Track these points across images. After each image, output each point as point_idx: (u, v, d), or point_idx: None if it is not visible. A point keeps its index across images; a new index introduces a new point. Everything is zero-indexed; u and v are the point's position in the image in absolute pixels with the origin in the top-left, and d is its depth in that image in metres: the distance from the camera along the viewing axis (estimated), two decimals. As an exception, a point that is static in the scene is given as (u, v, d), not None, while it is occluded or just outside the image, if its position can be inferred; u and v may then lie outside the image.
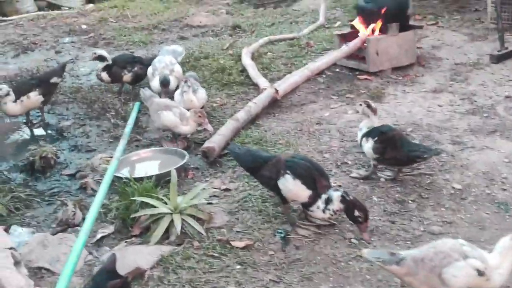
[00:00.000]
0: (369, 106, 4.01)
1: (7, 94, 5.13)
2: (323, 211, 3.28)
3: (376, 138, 3.84)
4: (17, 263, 2.81)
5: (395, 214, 3.52)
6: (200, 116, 4.49)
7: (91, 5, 10.72)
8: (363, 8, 5.89)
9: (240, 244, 3.31)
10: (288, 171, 3.31)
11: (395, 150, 3.78)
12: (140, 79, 5.81)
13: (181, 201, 3.59)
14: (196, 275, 3.07)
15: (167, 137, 4.80)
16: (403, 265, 2.58)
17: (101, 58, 5.82)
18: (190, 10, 9.49)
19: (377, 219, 3.48)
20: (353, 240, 3.30)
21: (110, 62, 5.78)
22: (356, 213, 3.18)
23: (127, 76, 5.75)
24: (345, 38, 6.05)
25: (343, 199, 3.24)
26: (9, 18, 10.02)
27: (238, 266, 3.14)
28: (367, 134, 3.91)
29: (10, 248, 2.88)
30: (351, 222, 3.28)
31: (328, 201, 3.25)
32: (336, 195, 3.25)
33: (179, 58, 5.86)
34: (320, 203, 3.27)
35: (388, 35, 5.77)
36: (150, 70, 5.49)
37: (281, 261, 3.17)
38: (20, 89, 5.26)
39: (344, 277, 3.03)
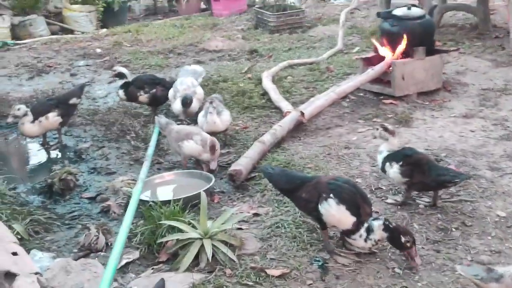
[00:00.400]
0: (386, 129, 3.83)
1: (25, 115, 5.00)
2: (365, 240, 3.09)
3: (401, 162, 3.66)
4: (43, 289, 2.62)
5: (439, 242, 3.31)
6: (212, 153, 4.28)
7: (104, 30, 10.66)
8: (388, 31, 5.77)
9: (276, 272, 3.11)
10: (331, 195, 3.12)
11: (422, 174, 3.60)
12: (160, 101, 5.66)
13: (211, 226, 3.41)
14: (230, 305, 2.87)
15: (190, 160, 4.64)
16: (502, 282, 2.43)
17: (120, 76, 5.71)
18: (205, 35, 9.41)
19: (420, 247, 3.27)
20: (397, 270, 3.09)
21: (130, 80, 5.65)
22: (403, 239, 2.99)
23: (142, 97, 5.60)
24: (369, 61, 5.92)
25: (386, 227, 3.06)
26: (22, 41, 9.96)
27: (275, 296, 2.94)
28: (390, 159, 3.73)
29: (36, 273, 2.69)
30: (398, 249, 3.09)
31: (369, 230, 3.06)
32: (377, 224, 3.07)
33: (199, 78, 5.74)
34: (363, 231, 3.07)
35: (414, 59, 5.64)
36: (171, 92, 5.36)
37: (320, 292, 2.97)
38: (39, 110, 5.13)
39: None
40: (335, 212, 3.09)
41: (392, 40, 5.70)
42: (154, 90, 5.59)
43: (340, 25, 8.18)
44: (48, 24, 10.96)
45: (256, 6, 10.33)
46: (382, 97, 5.76)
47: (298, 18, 9.51)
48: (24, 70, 8.03)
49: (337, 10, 10.68)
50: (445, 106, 5.50)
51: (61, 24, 11.16)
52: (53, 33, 10.69)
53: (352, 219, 3.08)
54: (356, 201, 3.11)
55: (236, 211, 3.66)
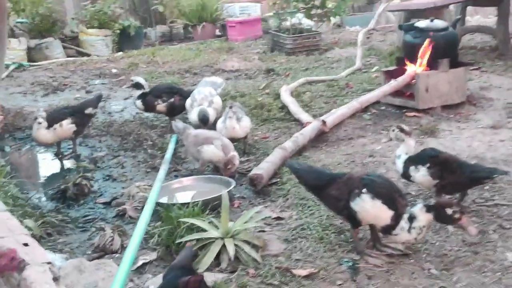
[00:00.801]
0: (402, 130, 3.64)
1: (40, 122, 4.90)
2: (409, 231, 2.86)
3: (428, 164, 3.48)
4: (55, 279, 2.43)
5: (476, 244, 3.10)
6: (229, 169, 4.13)
7: (120, 53, 10.67)
8: (411, 43, 5.65)
9: (303, 272, 2.92)
10: (364, 190, 2.92)
11: (453, 173, 3.43)
12: (178, 111, 5.54)
13: (233, 225, 3.23)
14: (255, 304, 2.67)
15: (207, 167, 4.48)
16: None
17: (137, 86, 5.61)
18: (221, 57, 9.36)
19: (456, 249, 3.07)
20: (433, 271, 2.88)
21: (147, 90, 5.56)
22: (449, 211, 2.79)
23: (160, 106, 5.49)
24: (391, 75, 5.79)
25: (428, 208, 2.86)
26: (38, 63, 9.96)
27: (303, 296, 2.74)
28: (414, 162, 3.55)
29: (48, 263, 2.51)
30: (449, 224, 2.95)
31: (411, 218, 2.86)
32: (418, 208, 2.87)
33: (218, 89, 5.62)
34: (404, 223, 2.86)
35: (438, 71, 5.50)
36: (188, 101, 5.24)
37: (352, 292, 2.77)
38: (53, 117, 5.03)
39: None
40: (371, 208, 2.89)
41: (415, 52, 5.57)
42: (172, 100, 5.49)
43: (358, 45, 8.10)
44: (64, 47, 10.98)
45: (272, 30, 10.28)
46: (405, 110, 5.60)
47: (315, 40, 9.44)
48: (39, 88, 7.98)
49: (353, 35, 10.63)
50: (471, 118, 5.32)
51: (77, 48, 11.17)
52: (69, 57, 10.68)
53: (390, 212, 2.87)
54: (391, 194, 2.91)
55: (259, 210, 3.48)
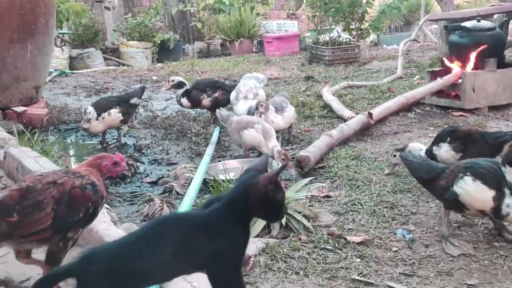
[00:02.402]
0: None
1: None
2: None
3: (448, 139, 3.48)
4: (114, 222, 2.44)
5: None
6: (283, 159, 3.99)
7: (159, 64, 10.84)
8: (457, 43, 5.61)
9: (357, 239, 2.86)
10: (467, 173, 2.76)
11: (476, 143, 3.43)
12: (221, 104, 5.56)
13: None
14: (309, 264, 2.61)
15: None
16: None
17: (179, 85, 5.65)
18: (259, 67, 9.43)
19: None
20: (496, 244, 2.80)
21: (189, 87, 5.60)
22: None
23: (206, 101, 5.53)
24: (436, 75, 5.73)
25: None
26: (80, 71, 10.18)
27: (358, 260, 2.67)
28: (434, 142, 3.57)
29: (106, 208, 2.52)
30: None
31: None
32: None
33: (261, 84, 5.63)
34: (509, 200, 2.68)
35: (485, 71, 5.43)
36: (233, 94, 5.26)
37: (409, 257, 2.69)
38: (101, 106, 5.10)
39: (491, 274, 2.52)
40: (472, 189, 2.73)
41: (461, 52, 5.53)
42: (216, 94, 5.52)
43: (400, 54, 8.06)
44: (105, 59, 11.21)
45: (310, 43, 10.34)
46: (450, 110, 5.53)
47: (353, 53, 9.45)
48: (81, 90, 8.14)
49: (391, 52, 10.63)
50: (520, 118, 5.23)
51: (117, 60, 11.40)
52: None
53: (491, 192, 2.69)
54: (496, 175, 2.73)
55: (309, 181, 3.44)
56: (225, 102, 5.50)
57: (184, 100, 5.58)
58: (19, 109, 5.84)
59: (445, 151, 3.49)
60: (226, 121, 4.55)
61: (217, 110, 4.74)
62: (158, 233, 1.70)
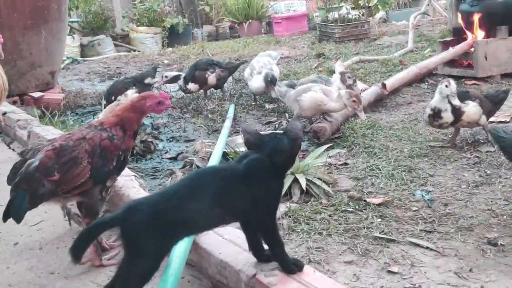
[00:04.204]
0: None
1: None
2: None
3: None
4: (142, 188, 2.53)
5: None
6: (354, 101, 3.86)
7: (170, 48, 10.90)
8: (468, 11, 5.61)
9: (377, 200, 2.92)
10: None
11: (484, 101, 3.71)
12: (223, 81, 5.63)
13: (303, 162, 3.27)
14: (331, 225, 2.69)
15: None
16: None
17: (174, 79, 5.67)
18: (269, 47, 9.46)
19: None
20: None
21: (183, 74, 5.65)
22: None
23: (211, 77, 5.58)
24: (448, 45, 5.75)
25: None
26: (91, 58, 10.26)
27: (379, 220, 2.74)
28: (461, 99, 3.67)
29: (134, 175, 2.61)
30: None
31: None
32: None
33: (274, 61, 5.68)
34: None
35: (497, 39, 5.44)
36: (247, 71, 5.32)
37: (429, 215, 2.75)
38: (118, 88, 5.18)
39: (511, 228, 2.58)
40: None
41: (472, 20, 5.53)
42: (216, 71, 5.59)
43: (410, 27, 8.06)
44: (116, 46, 11.30)
45: (319, 22, 10.34)
46: (463, 79, 5.55)
47: (363, 29, 9.44)
48: (95, 76, 8.23)
49: (400, 28, 10.60)
50: (533, 85, 5.23)
51: (127, 46, 11.47)
52: (119, 54, 10.99)
53: None
54: None
55: (328, 147, 3.51)
56: (226, 79, 5.61)
57: (191, 85, 5.61)
58: (36, 94, 5.94)
59: (473, 106, 3.63)
60: (284, 96, 4.47)
61: (275, 87, 4.63)
62: (198, 184, 1.80)
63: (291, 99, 4.29)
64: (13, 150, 4.33)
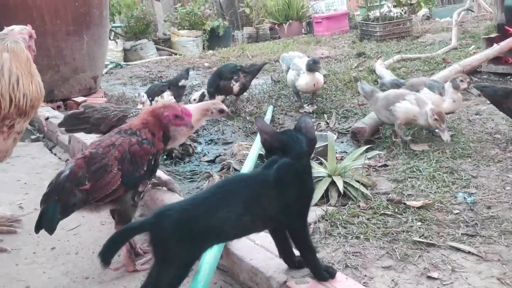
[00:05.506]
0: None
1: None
2: None
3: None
4: (177, 193, 2.53)
5: None
6: (436, 119, 3.59)
7: (210, 51, 10.96)
8: (514, 7, 5.42)
9: (417, 203, 2.84)
10: None
11: None
12: (246, 88, 5.56)
13: (340, 165, 3.20)
14: (369, 229, 2.62)
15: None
16: None
17: (201, 97, 5.53)
18: (310, 47, 9.39)
19: None
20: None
21: (207, 89, 5.57)
22: None
23: (236, 87, 5.39)
24: (493, 42, 5.56)
25: None
26: (133, 62, 10.41)
27: (419, 223, 2.65)
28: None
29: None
30: None
31: None
32: None
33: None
34: None
35: (545, 34, 5.24)
36: (292, 72, 5.23)
37: (471, 219, 2.65)
38: (153, 91, 5.23)
39: (561, 233, 2.46)
40: None
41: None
42: (240, 78, 5.51)
43: (453, 24, 7.86)
44: (157, 49, 11.43)
45: (360, 20, 10.20)
46: (509, 77, 5.36)
47: (405, 27, 9.26)
48: (137, 80, 8.32)
49: (443, 25, 10.36)
50: None
51: (169, 49, 11.59)
52: (161, 58, 11.12)
53: None
54: None
55: (366, 148, 3.44)
56: (249, 83, 5.55)
57: (218, 98, 5.53)
58: (79, 99, 6.05)
59: None
60: (370, 97, 4.10)
61: (359, 84, 4.38)
62: (227, 191, 1.77)
63: (378, 104, 3.94)
64: (55, 154, 4.42)
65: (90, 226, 2.81)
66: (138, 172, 2.24)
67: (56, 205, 2.12)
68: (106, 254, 1.74)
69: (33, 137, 5.07)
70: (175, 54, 11.26)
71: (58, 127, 3.07)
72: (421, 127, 3.93)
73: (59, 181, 2.16)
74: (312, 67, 4.94)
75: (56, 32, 5.76)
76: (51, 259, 2.54)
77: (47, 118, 4.93)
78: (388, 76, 5.54)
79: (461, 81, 3.93)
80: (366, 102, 4.43)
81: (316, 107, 5.20)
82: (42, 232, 2.56)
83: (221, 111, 3.25)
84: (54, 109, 5.63)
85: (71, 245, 2.65)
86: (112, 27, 11.37)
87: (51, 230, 2.14)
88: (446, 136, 3.57)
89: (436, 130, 3.72)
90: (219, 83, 5.52)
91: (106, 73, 9.17)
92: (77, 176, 2.14)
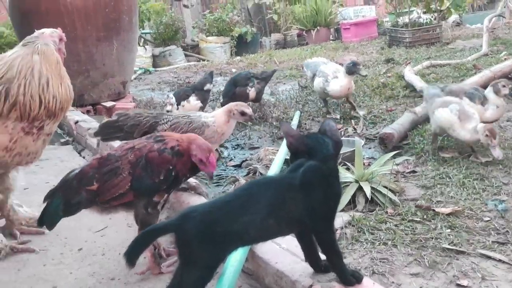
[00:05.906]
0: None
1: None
2: None
3: None
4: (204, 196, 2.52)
5: None
6: (487, 136, 3.36)
7: (238, 57, 11.00)
8: (548, 11, 5.31)
9: (446, 210, 2.78)
10: None
11: None
12: (262, 93, 5.54)
13: (367, 171, 3.17)
14: (397, 235, 2.58)
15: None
16: None
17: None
18: (338, 53, 9.35)
19: None
20: None
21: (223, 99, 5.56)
22: None
23: (252, 92, 5.40)
24: (525, 48, 5.46)
25: None
26: (162, 68, 10.51)
27: (449, 230, 2.60)
28: None
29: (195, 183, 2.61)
30: None
31: None
32: None
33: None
34: None
35: None
36: (320, 79, 5.17)
37: (502, 226, 2.59)
38: (180, 95, 5.26)
39: None
40: None
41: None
42: (254, 84, 5.49)
43: (484, 30, 7.73)
44: (186, 55, 11.52)
45: (389, 27, 10.12)
46: (543, 83, 5.24)
47: (435, 33, 9.15)
48: (165, 85, 8.40)
49: (474, 31, 10.22)
50: None
51: (197, 56, 11.67)
52: (189, 64, 11.20)
53: None
54: None
55: (394, 154, 3.39)
56: (263, 90, 5.54)
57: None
58: (108, 104, 6.12)
59: None
60: (429, 100, 3.90)
61: (424, 85, 4.25)
62: (251, 195, 1.76)
63: (431, 107, 3.77)
64: (84, 157, 4.47)
65: (117, 228, 2.83)
66: (152, 179, 2.14)
67: (59, 202, 2.12)
68: (131, 255, 1.74)
69: (62, 140, 5.15)
70: (203, 60, 11.33)
71: (94, 136, 3.11)
72: (461, 142, 3.67)
73: (68, 178, 2.16)
74: (352, 69, 4.88)
75: (87, 37, 5.85)
76: (78, 260, 2.56)
77: (76, 122, 5.00)
78: (418, 82, 5.47)
79: (503, 86, 3.76)
80: (425, 104, 4.17)
81: (342, 113, 5.17)
82: (70, 233, 2.59)
83: (242, 113, 3.23)
84: (83, 113, 5.71)
85: (97, 247, 2.67)
86: (142, 33, 11.49)
87: (51, 226, 2.13)
88: (497, 152, 3.32)
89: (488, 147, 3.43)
90: (235, 91, 5.53)
91: (135, 78, 9.28)
92: (87, 176, 2.14)
